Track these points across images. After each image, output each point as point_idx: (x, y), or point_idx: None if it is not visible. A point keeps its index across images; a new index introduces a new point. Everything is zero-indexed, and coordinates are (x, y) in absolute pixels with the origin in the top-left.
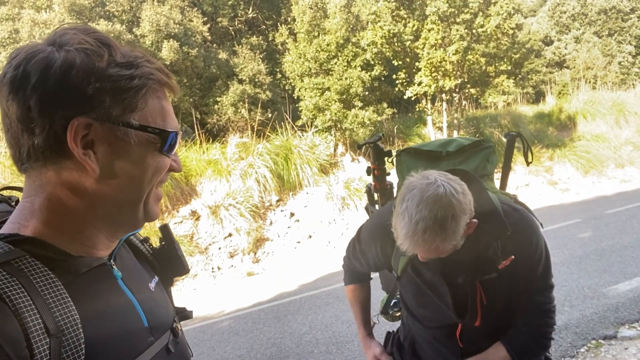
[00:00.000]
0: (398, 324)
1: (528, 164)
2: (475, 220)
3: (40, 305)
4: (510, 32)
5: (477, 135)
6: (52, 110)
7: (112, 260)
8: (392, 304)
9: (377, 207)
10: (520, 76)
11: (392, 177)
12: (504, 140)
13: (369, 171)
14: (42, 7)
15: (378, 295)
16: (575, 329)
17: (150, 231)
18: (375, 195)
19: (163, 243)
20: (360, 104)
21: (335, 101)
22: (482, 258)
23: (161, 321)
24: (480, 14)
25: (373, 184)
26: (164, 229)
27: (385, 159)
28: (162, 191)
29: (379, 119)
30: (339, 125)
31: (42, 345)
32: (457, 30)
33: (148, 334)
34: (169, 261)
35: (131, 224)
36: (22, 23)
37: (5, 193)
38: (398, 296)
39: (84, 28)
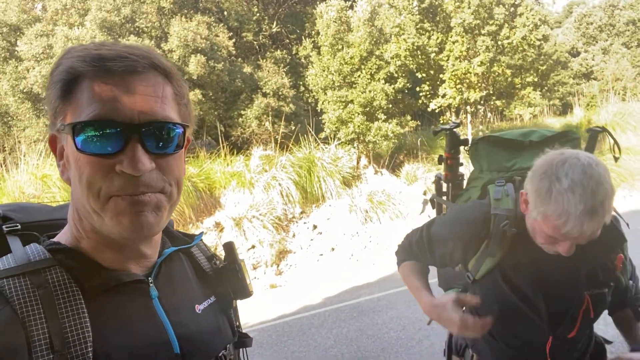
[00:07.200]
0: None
1: (616, 159)
2: None
3: (52, 320)
4: (537, 43)
5: None
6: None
7: (150, 278)
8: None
9: (444, 198)
10: (546, 88)
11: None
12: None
13: (440, 160)
14: (74, 24)
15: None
16: None
17: None
18: (444, 186)
19: (226, 262)
20: (383, 117)
21: (359, 114)
22: (601, 269)
23: (201, 348)
24: (506, 25)
25: (444, 173)
26: (228, 247)
27: (461, 148)
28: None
29: (402, 131)
30: (362, 138)
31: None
32: (483, 41)
33: None
34: (230, 282)
35: (111, 234)
36: (55, 39)
37: None
38: None
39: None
